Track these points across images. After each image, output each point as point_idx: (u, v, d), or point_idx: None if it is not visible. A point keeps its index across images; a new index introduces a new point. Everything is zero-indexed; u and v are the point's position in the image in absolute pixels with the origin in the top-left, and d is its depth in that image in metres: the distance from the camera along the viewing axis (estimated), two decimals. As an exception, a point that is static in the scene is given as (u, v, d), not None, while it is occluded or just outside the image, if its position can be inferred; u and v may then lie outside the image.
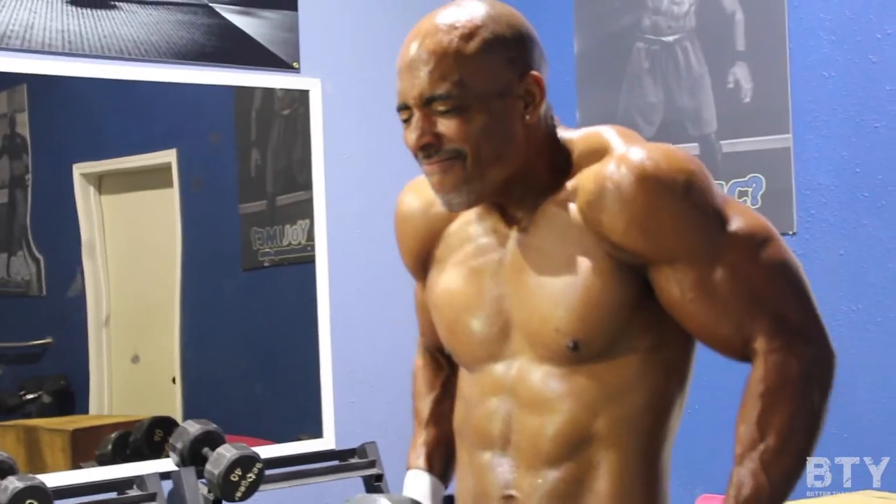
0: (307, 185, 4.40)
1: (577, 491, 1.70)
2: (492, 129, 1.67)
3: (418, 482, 1.95)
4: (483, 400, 1.78)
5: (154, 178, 4.29)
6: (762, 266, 1.65)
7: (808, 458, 1.66)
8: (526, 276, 1.72)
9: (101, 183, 4.13)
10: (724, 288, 1.63)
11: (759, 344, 1.64)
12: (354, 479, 4.22)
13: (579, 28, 4.22)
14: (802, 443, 1.63)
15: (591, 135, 1.74)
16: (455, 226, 1.86)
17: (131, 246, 4.21)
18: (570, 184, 1.71)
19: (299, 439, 4.29)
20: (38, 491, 3.34)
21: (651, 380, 1.70)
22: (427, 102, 1.67)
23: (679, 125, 3.91)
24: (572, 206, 1.69)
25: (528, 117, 1.70)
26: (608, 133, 1.73)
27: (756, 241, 1.66)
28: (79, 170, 4.10)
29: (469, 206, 1.74)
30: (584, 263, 1.67)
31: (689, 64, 3.89)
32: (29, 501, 3.32)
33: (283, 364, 4.43)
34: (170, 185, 4.23)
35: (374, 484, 4.18)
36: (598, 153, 1.69)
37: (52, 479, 3.58)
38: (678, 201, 1.62)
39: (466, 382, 1.84)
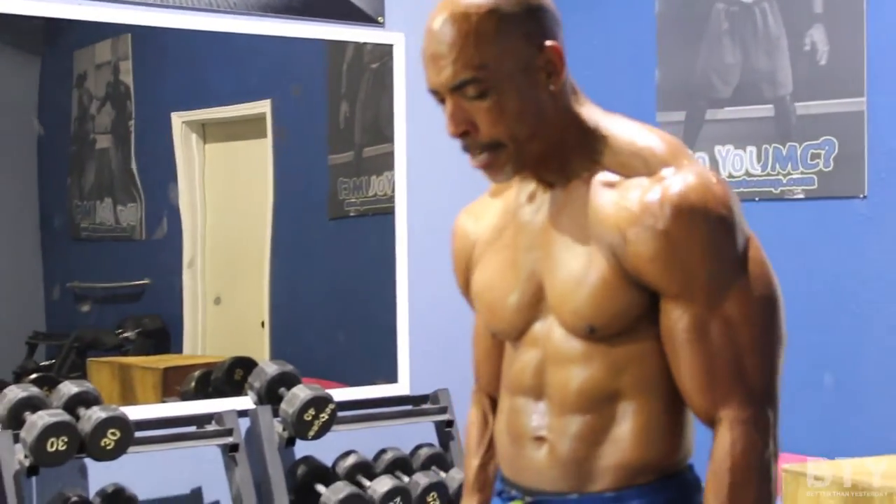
0: (393, 138, 4.50)
1: (602, 436, 1.79)
2: (523, 108, 1.72)
3: None
4: (522, 352, 1.87)
5: (250, 128, 4.42)
6: (754, 330, 1.71)
7: None
8: (555, 247, 1.80)
9: (205, 131, 4.27)
10: (717, 341, 1.71)
11: (729, 411, 1.71)
12: (426, 424, 4.34)
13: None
14: None
15: (642, 143, 1.77)
16: (493, 221, 1.94)
17: (228, 193, 4.37)
18: (609, 178, 1.76)
19: (375, 384, 4.40)
20: (120, 421, 3.53)
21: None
22: (456, 89, 1.72)
23: (755, 86, 3.92)
24: (606, 200, 1.74)
25: (552, 87, 1.75)
26: (657, 144, 1.77)
27: (758, 305, 1.72)
28: (179, 118, 4.25)
29: (511, 178, 1.83)
30: (605, 260, 1.74)
31: (766, 26, 3.90)
32: (111, 430, 3.51)
33: (363, 311, 4.55)
34: (264, 135, 4.36)
35: (444, 429, 4.30)
36: (647, 166, 1.73)
37: (136, 412, 3.74)
38: (705, 242, 1.69)
39: (510, 348, 1.94)
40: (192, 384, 4.11)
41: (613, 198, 1.75)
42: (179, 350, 4.29)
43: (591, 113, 1.82)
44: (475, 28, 1.70)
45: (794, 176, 3.77)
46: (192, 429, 3.85)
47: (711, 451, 1.74)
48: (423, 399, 4.34)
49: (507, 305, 1.87)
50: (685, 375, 1.74)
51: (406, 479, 4.03)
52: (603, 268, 1.74)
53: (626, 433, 1.78)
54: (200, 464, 3.94)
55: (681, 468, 1.82)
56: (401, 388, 4.41)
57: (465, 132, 1.75)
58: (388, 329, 4.48)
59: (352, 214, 4.52)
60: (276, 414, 3.91)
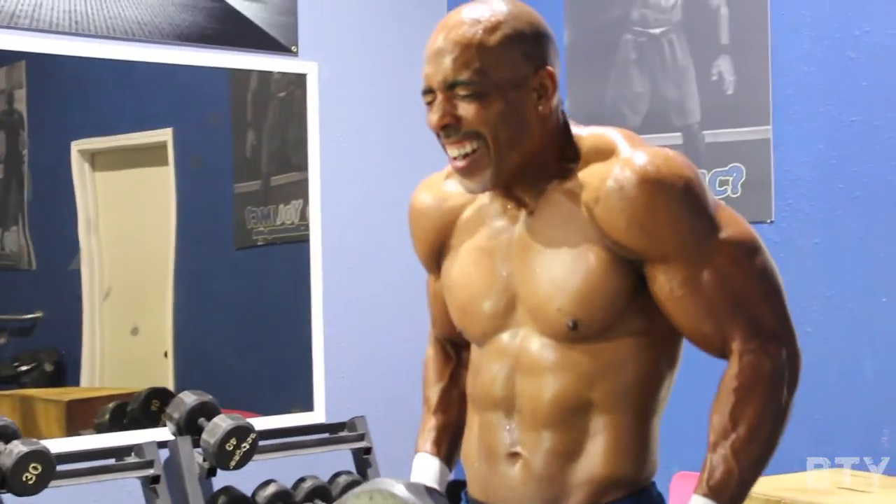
0: (301, 166, 4.51)
1: (575, 450, 1.84)
2: (508, 115, 1.81)
3: (426, 465, 2.08)
4: (490, 366, 1.93)
5: (150, 156, 4.38)
6: (746, 272, 1.81)
7: (774, 447, 1.81)
8: (532, 255, 1.87)
9: (95, 160, 4.21)
10: (710, 289, 1.79)
11: (736, 344, 1.79)
12: (344, 452, 4.36)
13: (569, 19, 4.34)
14: (770, 434, 1.79)
15: (600, 135, 1.88)
16: (467, 214, 2.00)
17: (126, 222, 4.29)
18: (577, 176, 1.84)
19: (290, 412, 4.40)
20: (42, 455, 3.48)
21: (643, 359, 1.85)
22: (450, 87, 1.81)
23: (664, 115, 4.04)
24: (578, 198, 1.83)
25: (541, 108, 1.83)
26: (615, 135, 1.87)
27: (743, 249, 1.81)
28: (76, 146, 4.19)
29: (487, 188, 1.88)
30: (586, 252, 1.81)
31: (674, 56, 4.02)
32: (33, 465, 3.46)
33: (274, 340, 4.53)
34: (165, 163, 4.33)
35: (362, 457, 4.32)
36: (605, 153, 1.83)
37: (53, 446, 3.68)
38: (675, 204, 1.77)
39: (476, 354, 1.99)
40: (107, 416, 4.06)
41: (579, 192, 1.83)
42: (77, 382, 4.22)
43: (584, 142, 1.89)
44: (481, 35, 1.80)
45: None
46: (112, 461, 3.81)
47: (720, 379, 1.81)
48: (341, 427, 4.36)
49: (481, 310, 1.93)
50: (691, 326, 1.81)
51: (326, 506, 4.04)
52: (586, 259, 1.81)
53: (598, 447, 1.84)
54: (120, 496, 3.90)
55: (647, 484, 1.89)
56: (317, 416, 4.42)
57: (448, 124, 1.82)
58: (301, 357, 4.48)
59: (260, 243, 4.52)
60: (195, 445, 3.89)
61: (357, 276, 4.58)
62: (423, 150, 4.76)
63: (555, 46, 1.88)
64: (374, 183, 4.67)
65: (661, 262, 1.79)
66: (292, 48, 4.40)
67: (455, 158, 1.86)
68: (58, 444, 3.75)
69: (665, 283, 1.79)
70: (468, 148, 1.83)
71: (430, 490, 1.94)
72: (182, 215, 4.31)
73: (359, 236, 4.60)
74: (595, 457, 1.84)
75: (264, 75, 4.40)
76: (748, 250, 1.82)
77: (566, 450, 1.84)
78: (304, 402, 4.44)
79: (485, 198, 1.97)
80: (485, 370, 1.93)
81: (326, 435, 4.32)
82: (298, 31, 4.41)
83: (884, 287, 3.51)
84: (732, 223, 1.82)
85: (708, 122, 3.93)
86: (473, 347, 2.00)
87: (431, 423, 2.11)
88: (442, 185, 2.05)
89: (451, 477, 2.13)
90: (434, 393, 2.14)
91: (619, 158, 1.80)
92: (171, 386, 4.22)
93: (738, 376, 1.78)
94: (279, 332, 4.55)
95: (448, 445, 2.09)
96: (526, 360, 1.87)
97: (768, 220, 3.75)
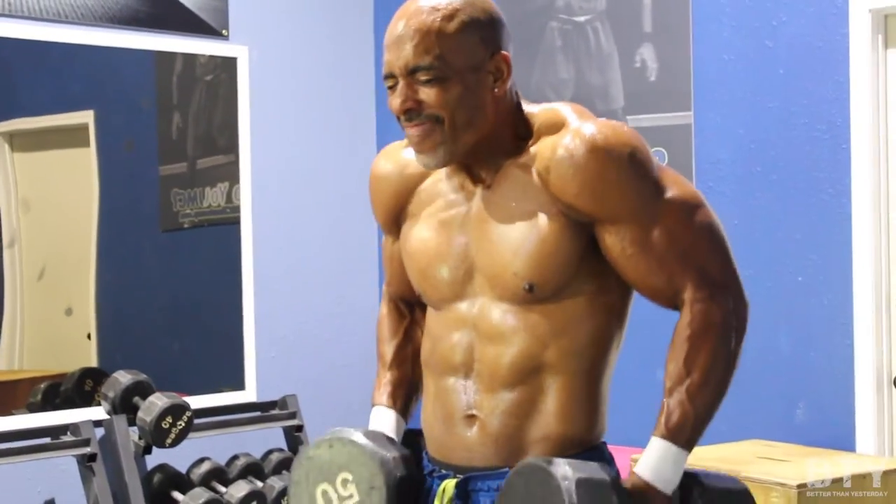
0: (228, 149, 4.54)
1: (530, 410, 1.95)
2: (465, 98, 1.91)
3: (382, 417, 2.17)
4: (448, 333, 2.02)
5: (70, 138, 4.37)
6: (692, 228, 1.93)
7: (725, 390, 1.93)
8: (489, 226, 1.97)
9: (14, 141, 4.19)
10: (659, 245, 1.90)
11: (687, 294, 1.91)
12: (275, 430, 4.43)
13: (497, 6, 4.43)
14: (721, 378, 1.92)
15: (551, 110, 2.00)
16: (426, 184, 2.09)
17: (51, 204, 4.27)
18: (530, 150, 1.96)
19: (221, 391, 4.45)
20: (-20, 434, 3.50)
21: (594, 319, 1.96)
22: (411, 72, 1.90)
23: (588, 101, 4.15)
24: (532, 170, 1.94)
25: (496, 90, 1.94)
26: (565, 109, 1.98)
27: (688, 207, 1.93)
28: None
29: (443, 165, 1.98)
30: (540, 218, 1.92)
31: (599, 43, 4.14)
32: (-30, 444, 3.48)
33: (203, 321, 4.57)
34: (87, 144, 4.33)
35: (294, 434, 4.40)
36: (556, 126, 1.94)
37: (-11, 425, 3.71)
38: (623, 169, 1.88)
39: (434, 320, 2.08)
40: (40, 396, 4.08)
41: (532, 163, 1.94)
42: None
43: (536, 118, 1.99)
44: (439, 23, 1.90)
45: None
46: (48, 440, 3.84)
47: (674, 329, 1.93)
48: (272, 405, 4.42)
49: (439, 276, 2.02)
50: (643, 281, 1.93)
51: (260, 483, 4.11)
52: (541, 224, 1.91)
53: (551, 407, 1.95)
54: (55, 475, 3.93)
55: (598, 442, 2.00)
56: (248, 395, 4.48)
57: (410, 108, 1.91)
58: (230, 338, 4.52)
59: (186, 226, 4.54)
60: (130, 423, 3.93)
61: (286, 258, 4.64)
62: (351, 133, 4.86)
63: (508, 32, 1.98)
64: (302, 165, 4.73)
65: (611, 224, 1.90)
66: (223, 32, 4.44)
67: (412, 136, 1.95)
68: (-5, 424, 3.77)
69: (616, 243, 1.91)
70: (427, 129, 1.92)
71: (387, 437, 2.03)
72: (105, 197, 4.30)
73: (287, 218, 4.66)
74: (549, 416, 1.95)
75: (190, 58, 4.42)
76: (692, 207, 1.93)
77: (521, 410, 1.95)
78: (236, 382, 4.49)
79: (442, 172, 2.06)
80: (444, 338, 2.03)
81: (258, 413, 4.39)
82: (229, 15, 4.45)
83: (800, 267, 3.66)
84: (676, 183, 1.94)
85: (631, 107, 4.05)
86: (429, 311, 2.10)
87: (387, 377, 2.20)
88: (401, 152, 2.14)
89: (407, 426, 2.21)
90: (389, 349, 2.23)
91: (569, 129, 1.91)
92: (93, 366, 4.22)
93: (691, 324, 1.90)
94: (207, 314, 4.58)
95: (403, 398, 2.18)
96: (485, 326, 1.97)
97: (689, 203, 3.88)
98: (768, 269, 3.72)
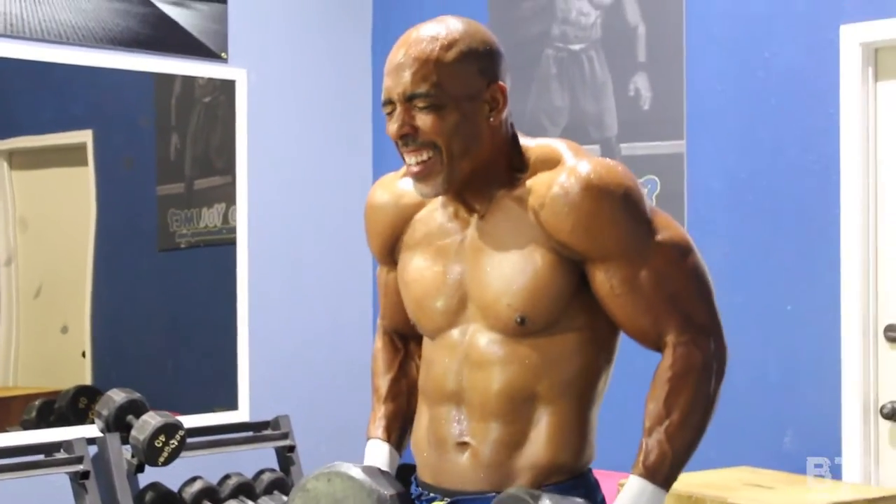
0: (225, 171, 4.59)
1: (520, 439, 1.99)
2: (461, 126, 1.96)
3: (377, 451, 2.21)
4: (441, 360, 2.06)
5: (69, 157, 4.41)
6: (680, 272, 1.97)
7: (703, 432, 1.97)
8: (483, 257, 2.01)
9: (13, 159, 4.23)
10: (648, 287, 1.94)
11: (670, 337, 1.96)
12: (268, 450, 4.45)
13: (492, 33, 4.47)
14: (700, 419, 1.96)
15: (546, 146, 2.04)
16: (422, 214, 2.13)
17: (48, 222, 4.31)
18: (525, 184, 2.00)
19: (213, 411, 4.48)
20: (-26, 450, 3.52)
21: (584, 353, 2.00)
22: (409, 99, 1.95)
23: (582, 128, 4.20)
24: (526, 204, 1.98)
25: (492, 119, 1.99)
26: (560, 146, 2.02)
27: (677, 250, 1.97)
28: None
29: (440, 193, 2.02)
30: (533, 253, 1.96)
31: (593, 72, 4.19)
32: (-36, 460, 3.51)
33: (198, 341, 4.61)
34: (85, 163, 4.37)
35: (286, 455, 4.42)
36: (551, 162, 1.98)
37: (-17, 442, 3.73)
38: (616, 209, 1.92)
39: (428, 348, 2.12)
40: (34, 413, 4.11)
41: (527, 198, 1.98)
42: None
43: (531, 152, 2.03)
44: (438, 52, 1.94)
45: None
46: (41, 457, 3.86)
47: (655, 370, 1.97)
48: (265, 425, 4.44)
49: (434, 307, 2.06)
50: (629, 321, 1.97)
51: (251, 503, 4.13)
52: (533, 259, 1.95)
53: (542, 436, 1.98)
54: (49, 492, 3.95)
55: (585, 470, 2.03)
56: (241, 415, 4.51)
57: (406, 133, 1.95)
58: (224, 357, 4.56)
59: (182, 246, 4.58)
60: (124, 441, 3.96)
61: (281, 279, 4.68)
62: (348, 155, 4.90)
63: (506, 63, 2.03)
64: (299, 187, 4.77)
65: (602, 262, 1.94)
66: (222, 54, 4.49)
67: (410, 165, 1.99)
68: (-13, 441, 3.80)
69: (606, 282, 1.95)
70: (424, 156, 1.96)
71: (383, 472, 2.07)
72: (103, 216, 4.34)
73: (284, 239, 4.70)
74: (538, 445, 1.98)
75: (189, 80, 4.47)
76: (681, 252, 1.97)
77: (512, 439, 1.99)
78: (229, 402, 4.52)
79: (438, 202, 2.10)
80: (437, 365, 2.07)
81: (251, 433, 4.41)
82: (228, 38, 4.50)
83: (789, 295, 3.71)
84: (667, 227, 1.98)
85: (625, 135, 4.10)
86: (426, 341, 2.14)
87: (381, 411, 2.24)
88: (397, 183, 2.18)
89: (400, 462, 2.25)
90: (384, 383, 2.26)
91: (565, 167, 1.95)
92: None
93: (672, 367, 1.94)
94: (202, 333, 4.62)
95: (398, 432, 2.22)
96: (475, 354, 2.01)
97: (681, 231, 3.92)
98: (758, 298, 3.76)
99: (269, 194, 4.64)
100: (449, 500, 2.03)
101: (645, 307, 1.95)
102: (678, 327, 1.95)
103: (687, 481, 3.29)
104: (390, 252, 2.19)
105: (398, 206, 2.16)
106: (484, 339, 2.01)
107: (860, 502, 3.16)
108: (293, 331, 4.69)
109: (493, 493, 1.98)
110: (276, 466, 4.43)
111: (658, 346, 1.98)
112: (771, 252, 3.76)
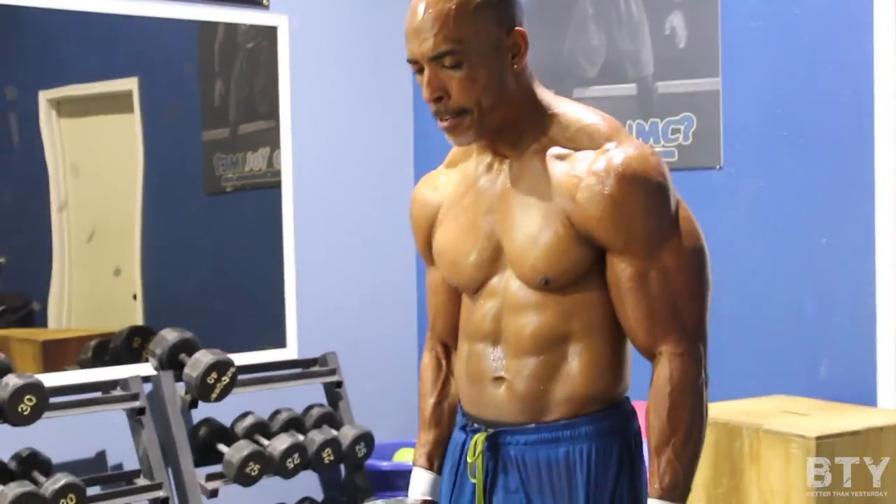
0: (269, 115, 4.67)
1: (553, 373, 2.09)
2: (490, 80, 2.03)
3: (422, 480, 2.32)
4: (481, 303, 2.16)
5: (115, 104, 4.49)
6: (685, 273, 2.04)
7: (703, 440, 2.07)
8: (513, 207, 2.10)
9: (61, 107, 4.32)
10: (655, 287, 2.03)
11: (667, 347, 2.04)
12: (316, 385, 4.59)
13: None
14: (700, 431, 2.07)
15: (586, 117, 2.09)
16: (451, 188, 2.23)
17: (98, 168, 4.41)
18: (559, 151, 2.07)
19: (263, 349, 4.60)
20: (36, 388, 3.68)
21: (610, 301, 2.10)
22: (435, 58, 2.02)
23: (619, 67, 4.27)
24: (562, 172, 2.05)
25: (516, 66, 2.06)
26: (599, 121, 2.08)
27: (688, 250, 2.04)
28: (44, 95, 4.30)
29: (472, 142, 2.11)
30: (558, 220, 2.04)
31: (629, 11, 4.24)
32: (27, 397, 3.65)
33: (245, 282, 4.71)
34: (131, 110, 4.46)
35: (334, 390, 4.55)
36: (596, 141, 2.04)
37: (44, 380, 3.83)
38: (645, 204, 2.00)
39: (468, 300, 2.22)
40: (90, 353, 4.24)
41: (564, 168, 2.05)
42: (44, 324, 4.32)
43: (545, 95, 2.12)
44: (455, 8, 2.00)
45: (657, 149, 4.13)
46: (99, 394, 4.01)
47: (652, 380, 2.06)
48: (313, 362, 4.58)
49: (468, 263, 2.15)
50: (630, 317, 2.05)
51: (301, 437, 4.27)
52: (556, 228, 2.03)
53: (575, 370, 2.08)
54: (106, 428, 4.10)
55: (620, 399, 2.14)
56: (289, 352, 4.63)
57: (439, 97, 2.04)
58: (272, 297, 4.67)
59: (228, 190, 4.67)
60: (177, 378, 4.09)
61: (325, 221, 4.78)
62: (390, 100, 4.98)
63: (521, 8, 2.09)
64: (342, 131, 4.86)
65: (620, 253, 2.03)
66: (264, 2, 4.57)
67: (443, 120, 2.07)
68: (48, 379, 3.91)
69: (618, 273, 2.04)
70: (457, 119, 2.05)
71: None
72: (150, 162, 4.44)
73: (328, 181, 4.80)
74: (573, 378, 2.09)
75: (231, 26, 4.54)
76: (692, 251, 2.05)
77: (546, 374, 2.09)
78: (277, 340, 4.64)
79: (471, 163, 2.19)
80: (477, 308, 2.17)
81: (299, 370, 4.54)
82: (270, -16, 4.59)
83: (824, 229, 3.76)
84: (686, 226, 2.05)
85: (661, 73, 4.16)
86: (465, 299, 2.23)
87: (424, 438, 2.35)
88: (438, 179, 2.27)
89: None
90: (427, 406, 2.37)
91: (605, 153, 2.02)
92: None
93: (671, 380, 2.03)
94: (250, 275, 4.72)
95: (440, 458, 2.33)
96: (511, 299, 2.11)
97: (717, 167, 3.99)
98: (793, 232, 3.82)
99: (312, 138, 4.74)
100: (492, 430, 2.14)
101: (647, 309, 2.03)
102: (676, 338, 2.04)
103: (724, 409, 3.39)
104: (430, 246, 2.28)
105: (435, 201, 2.26)
106: (516, 286, 2.10)
107: (893, 427, 3.25)
108: (338, 270, 4.80)
109: (532, 424, 2.09)
110: (325, 402, 4.57)
111: (650, 353, 2.07)
112: (806, 186, 3.82)
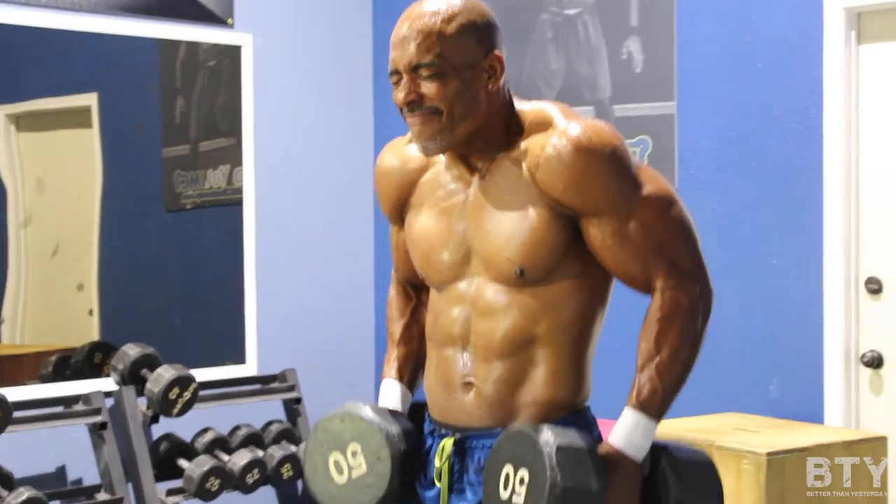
0: (229, 133, 4.71)
1: (521, 378, 2.17)
2: (462, 92, 2.13)
3: (390, 389, 2.38)
4: (448, 309, 2.24)
5: (74, 119, 4.49)
6: (666, 223, 2.13)
7: (691, 368, 2.14)
8: (485, 214, 2.18)
9: (20, 122, 4.32)
10: (636, 237, 2.11)
11: (659, 282, 2.12)
12: (275, 402, 4.63)
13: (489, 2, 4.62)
14: (688, 356, 2.12)
15: (540, 109, 2.20)
16: (427, 176, 2.30)
17: (57, 183, 4.40)
18: (521, 145, 2.17)
19: (221, 365, 4.63)
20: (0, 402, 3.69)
21: (579, 298, 2.17)
22: (414, 69, 2.12)
23: (577, 90, 4.35)
24: (522, 165, 2.15)
25: (490, 86, 2.16)
26: (552, 109, 2.19)
27: (663, 203, 2.14)
28: (2, 110, 4.25)
29: (442, 151, 2.19)
30: (530, 210, 2.13)
31: (588, 36, 4.33)
32: (-10, 411, 3.67)
33: (205, 298, 4.74)
34: (90, 125, 4.47)
35: (293, 406, 4.60)
36: (545, 125, 2.15)
37: (6, 394, 3.86)
38: (604, 168, 2.09)
39: (435, 299, 2.30)
40: (51, 368, 4.26)
41: (525, 157, 2.14)
42: None
43: (522, 109, 2.20)
44: (440, 25, 2.11)
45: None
46: (60, 409, 4.04)
47: (646, 313, 2.13)
48: (272, 378, 4.62)
49: (439, 259, 2.23)
50: (620, 269, 2.13)
51: (261, 452, 4.31)
52: (530, 216, 2.12)
53: (540, 375, 2.16)
54: (68, 442, 4.13)
55: (583, 407, 2.21)
56: (249, 368, 4.67)
57: (412, 101, 2.12)
58: (231, 314, 4.70)
59: (188, 206, 4.70)
60: (139, 393, 4.13)
61: (286, 237, 4.83)
62: (350, 118, 5.04)
63: (501, 34, 2.19)
64: (302, 148, 4.91)
65: (593, 217, 2.11)
66: (228, 20, 4.62)
67: (414, 126, 2.16)
68: (10, 393, 3.92)
69: (598, 234, 2.12)
70: (427, 119, 2.13)
71: (393, 412, 2.26)
72: (109, 178, 4.45)
73: (288, 198, 4.85)
74: (538, 383, 2.16)
75: (193, 44, 4.57)
76: (666, 203, 2.14)
77: (513, 377, 2.17)
78: (237, 356, 4.67)
79: (442, 165, 2.27)
80: (444, 314, 2.24)
81: (259, 386, 4.59)
82: (234, 4, 4.63)
83: (775, 250, 3.86)
84: (652, 180, 2.15)
85: (618, 97, 4.25)
86: (433, 293, 2.31)
87: (395, 353, 2.41)
88: (404, 148, 2.34)
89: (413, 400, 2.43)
90: (397, 328, 2.44)
91: (557, 129, 2.12)
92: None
93: (661, 309, 2.11)
94: (209, 291, 4.75)
95: (410, 373, 2.39)
96: (481, 303, 2.19)
97: (671, 189, 4.07)
98: (745, 252, 3.92)
99: (274, 155, 4.79)
100: (459, 434, 2.20)
101: (634, 256, 2.11)
102: (665, 273, 2.11)
103: (677, 426, 3.47)
104: (399, 213, 2.35)
105: (405, 170, 2.32)
106: (487, 290, 2.17)
107: (840, 444, 3.34)
108: (298, 287, 4.85)
109: (498, 429, 2.15)
110: (284, 418, 4.62)
111: (648, 290, 2.14)
112: (757, 208, 3.91)
